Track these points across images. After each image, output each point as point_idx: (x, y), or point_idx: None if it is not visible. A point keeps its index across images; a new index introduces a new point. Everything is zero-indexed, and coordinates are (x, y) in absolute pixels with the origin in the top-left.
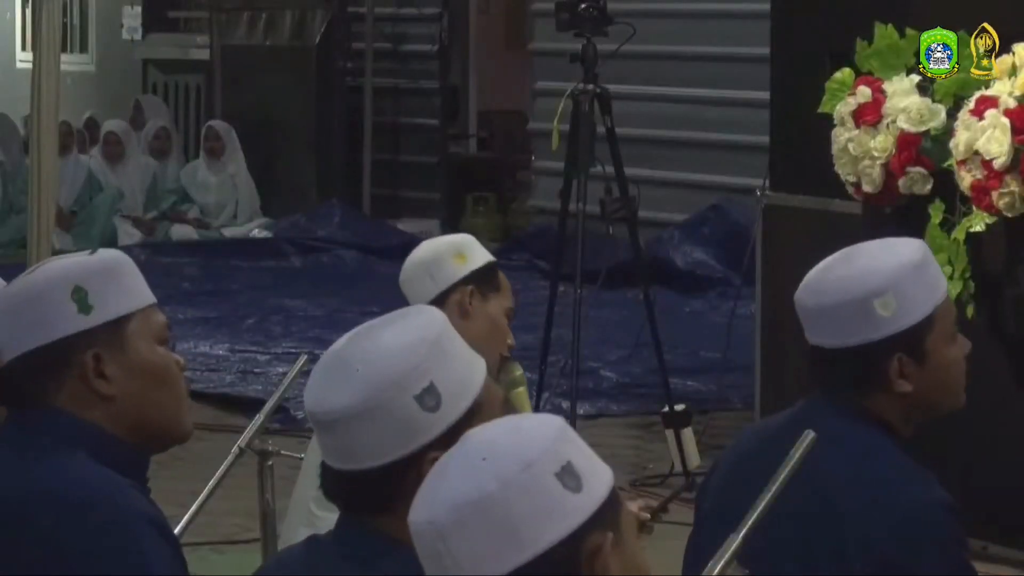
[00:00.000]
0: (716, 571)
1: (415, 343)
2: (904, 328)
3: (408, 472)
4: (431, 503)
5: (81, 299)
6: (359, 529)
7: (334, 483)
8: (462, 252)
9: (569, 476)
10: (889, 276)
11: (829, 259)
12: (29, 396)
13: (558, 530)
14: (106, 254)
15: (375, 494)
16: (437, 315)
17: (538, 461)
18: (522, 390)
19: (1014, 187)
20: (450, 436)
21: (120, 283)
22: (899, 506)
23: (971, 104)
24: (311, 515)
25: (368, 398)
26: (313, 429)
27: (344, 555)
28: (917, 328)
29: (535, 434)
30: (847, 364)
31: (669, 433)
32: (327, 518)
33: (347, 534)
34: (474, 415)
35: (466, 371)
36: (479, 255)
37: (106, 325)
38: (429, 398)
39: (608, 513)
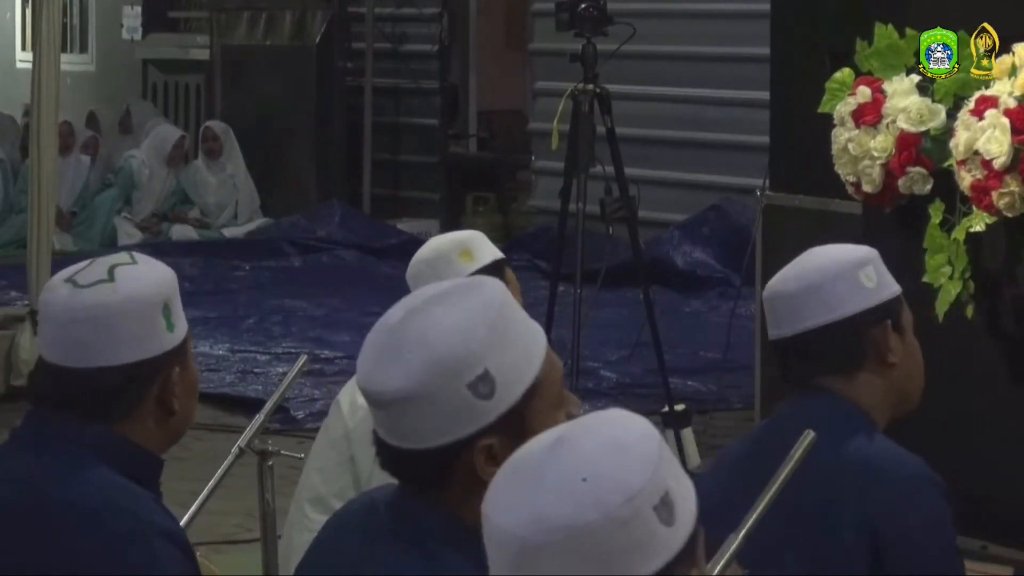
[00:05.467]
0: (716, 571)
1: (471, 327)
2: (887, 299)
3: (460, 456)
4: (520, 514)
5: (168, 316)
6: (415, 501)
7: (390, 458)
8: (468, 250)
9: (665, 508)
10: (865, 252)
11: (793, 261)
12: (101, 409)
13: (649, 565)
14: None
15: (428, 474)
16: (495, 292)
17: (641, 493)
18: None
19: (1014, 187)
20: (506, 422)
21: (179, 299)
22: (888, 481)
23: (971, 104)
24: (305, 518)
25: (420, 384)
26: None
27: (397, 532)
28: (896, 301)
29: (639, 457)
30: (837, 339)
31: (669, 433)
32: (320, 521)
33: (403, 508)
34: (532, 396)
35: (523, 353)
36: (486, 252)
37: (181, 342)
38: (483, 386)
39: (694, 546)
